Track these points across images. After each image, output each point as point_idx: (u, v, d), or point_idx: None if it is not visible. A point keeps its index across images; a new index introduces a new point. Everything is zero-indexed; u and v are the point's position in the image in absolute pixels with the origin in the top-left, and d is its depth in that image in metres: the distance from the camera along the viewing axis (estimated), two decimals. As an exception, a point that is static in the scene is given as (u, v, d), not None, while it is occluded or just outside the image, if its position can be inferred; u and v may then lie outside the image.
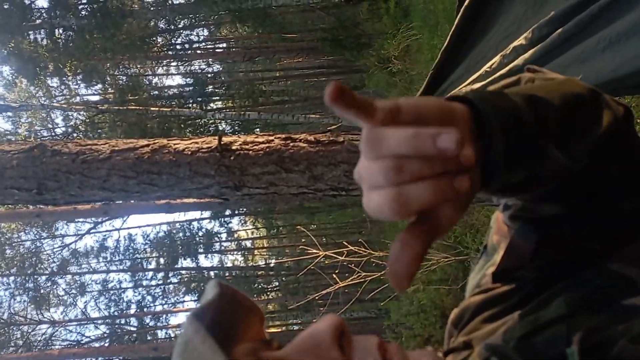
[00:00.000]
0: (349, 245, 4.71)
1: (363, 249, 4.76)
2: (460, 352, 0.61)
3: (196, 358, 0.49)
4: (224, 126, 14.83)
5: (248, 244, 22.59)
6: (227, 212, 16.85)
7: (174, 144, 2.13)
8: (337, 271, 4.77)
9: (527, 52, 1.67)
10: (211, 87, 15.75)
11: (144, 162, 2.10)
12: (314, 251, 4.95)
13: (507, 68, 1.73)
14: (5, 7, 10.96)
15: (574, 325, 0.51)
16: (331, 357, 0.50)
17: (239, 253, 21.70)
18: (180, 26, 15.70)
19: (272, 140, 2.09)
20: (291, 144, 2.06)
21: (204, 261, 22.67)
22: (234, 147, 2.08)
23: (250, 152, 2.06)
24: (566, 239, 0.57)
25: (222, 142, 2.07)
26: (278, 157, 2.04)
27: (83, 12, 12.03)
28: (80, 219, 15.42)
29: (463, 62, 2.01)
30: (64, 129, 15.13)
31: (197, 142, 2.13)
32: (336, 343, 0.50)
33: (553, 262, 0.58)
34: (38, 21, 12.15)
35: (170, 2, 13.80)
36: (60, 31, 12.14)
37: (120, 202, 2.32)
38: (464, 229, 6.44)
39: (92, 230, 16.84)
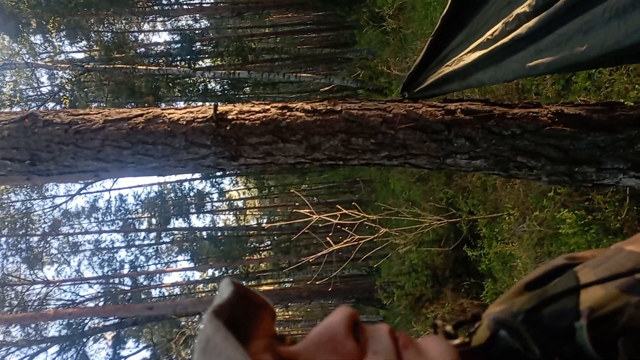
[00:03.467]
0: (342, 208, 4.73)
1: (356, 212, 4.80)
2: (469, 325, 0.63)
3: (218, 356, 0.49)
4: (213, 85, 14.58)
5: (240, 203, 22.66)
6: (219, 173, 16.81)
7: (169, 114, 2.09)
8: (330, 234, 4.82)
9: (530, 20, 1.63)
10: (199, 44, 15.38)
11: (138, 132, 2.07)
12: (307, 212, 4.95)
13: (509, 36, 1.69)
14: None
15: (584, 297, 0.52)
16: (347, 348, 0.51)
17: (231, 213, 21.80)
18: (165, -20, 15.19)
19: (269, 110, 2.05)
20: (288, 114, 2.03)
21: (196, 221, 22.82)
22: (229, 117, 2.04)
23: (247, 121, 2.02)
24: None
25: (217, 112, 2.03)
26: (275, 126, 2.00)
27: (64, -34, 11.57)
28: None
29: (464, 29, 1.96)
30: (49, 87, 14.83)
31: (192, 112, 2.09)
32: (350, 334, 0.51)
33: None
34: (18, -25, 11.67)
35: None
36: (42, -15, 11.72)
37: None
38: (457, 191, 6.48)
39: (83, 191, 16.77)
